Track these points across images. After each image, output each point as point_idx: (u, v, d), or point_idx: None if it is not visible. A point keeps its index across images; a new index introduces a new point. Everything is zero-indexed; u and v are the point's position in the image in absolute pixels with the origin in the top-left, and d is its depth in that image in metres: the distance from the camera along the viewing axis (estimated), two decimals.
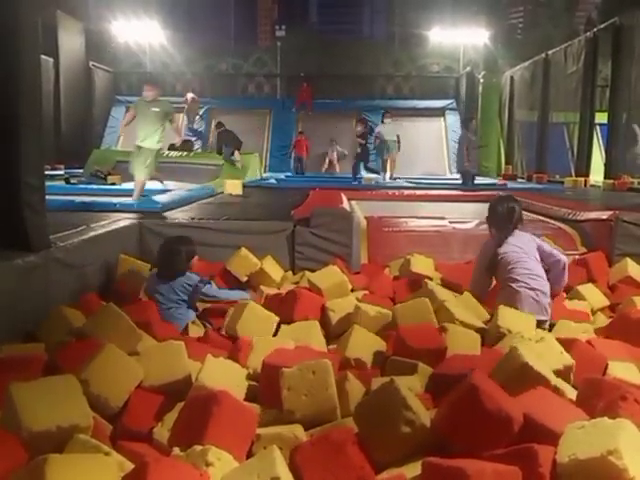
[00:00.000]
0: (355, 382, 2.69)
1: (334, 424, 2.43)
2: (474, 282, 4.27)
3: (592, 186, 11.72)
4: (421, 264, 4.86)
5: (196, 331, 3.87)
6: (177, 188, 8.77)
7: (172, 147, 12.42)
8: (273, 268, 4.89)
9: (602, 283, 4.81)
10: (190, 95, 16.85)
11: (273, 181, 13.05)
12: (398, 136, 13.29)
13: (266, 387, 2.65)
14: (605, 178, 11.31)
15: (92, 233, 4.58)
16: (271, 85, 20.69)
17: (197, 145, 17.09)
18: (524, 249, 3.96)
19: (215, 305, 4.30)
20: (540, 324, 3.71)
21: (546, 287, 3.89)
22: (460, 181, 12.28)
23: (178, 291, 4.03)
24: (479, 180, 12.82)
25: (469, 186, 11.61)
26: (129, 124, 7.74)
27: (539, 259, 3.99)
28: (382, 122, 13.27)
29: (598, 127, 13.18)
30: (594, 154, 12.54)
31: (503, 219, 4.06)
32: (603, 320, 4.12)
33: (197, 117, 17.49)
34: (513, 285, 3.87)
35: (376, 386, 2.44)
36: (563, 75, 13.37)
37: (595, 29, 12.45)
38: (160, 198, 6.74)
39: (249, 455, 2.23)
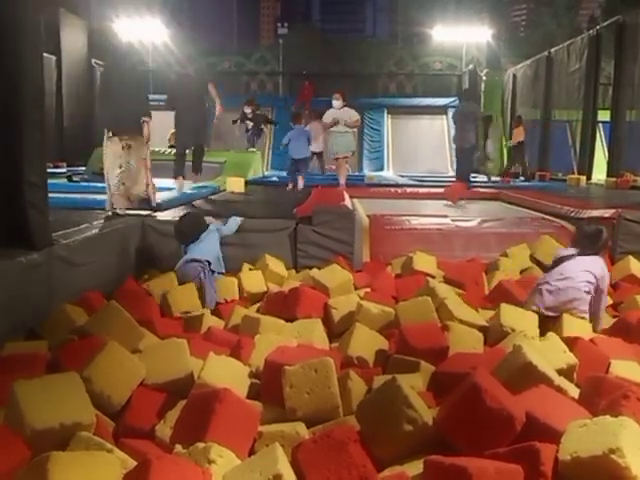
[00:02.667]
0: (357, 380, 2.70)
1: (336, 422, 2.43)
2: None
3: (595, 184, 11.71)
4: (423, 262, 4.86)
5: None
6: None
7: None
8: (276, 265, 4.91)
9: None
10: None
11: (275, 179, 13.05)
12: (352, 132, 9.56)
13: (268, 385, 2.65)
14: (607, 176, 11.30)
15: (94, 231, 4.58)
16: (273, 83, 20.69)
17: None
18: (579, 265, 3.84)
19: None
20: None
21: (568, 288, 3.74)
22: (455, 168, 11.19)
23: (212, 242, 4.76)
24: (481, 178, 12.75)
25: (466, 178, 11.17)
26: None
27: (589, 279, 3.80)
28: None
29: (601, 125, 13.16)
30: (597, 152, 12.53)
31: (587, 241, 3.96)
32: (606, 319, 4.11)
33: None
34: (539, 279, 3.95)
35: (378, 384, 2.44)
36: (566, 73, 13.35)
37: (598, 27, 12.43)
38: (163, 196, 6.74)
39: (251, 452, 2.24)
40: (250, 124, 13.76)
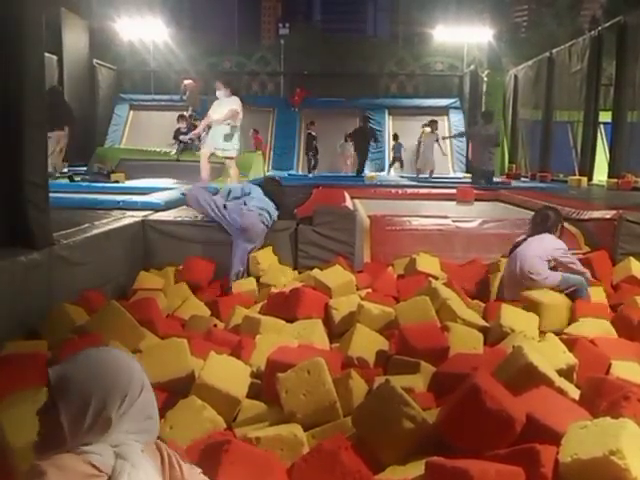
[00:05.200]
0: (358, 380, 2.70)
1: (334, 424, 2.44)
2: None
3: (596, 185, 11.70)
4: (427, 263, 4.85)
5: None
6: (180, 186, 8.76)
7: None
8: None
9: (605, 282, 4.79)
10: (188, 82, 16.78)
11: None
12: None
13: (270, 384, 2.65)
14: (609, 177, 11.29)
15: (95, 231, 4.58)
16: (275, 83, 20.69)
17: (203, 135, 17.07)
18: (533, 245, 4.34)
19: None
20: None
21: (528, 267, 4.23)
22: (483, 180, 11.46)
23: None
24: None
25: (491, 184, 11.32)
26: None
27: (547, 258, 4.30)
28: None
29: (602, 126, 13.15)
30: (598, 153, 12.52)
31: (536, 222, 4.53)
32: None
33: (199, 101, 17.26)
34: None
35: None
36: (567, 74, 13.34)
37: (599, 28, 12.41)
38: (163, 196, 6.74)
39: None
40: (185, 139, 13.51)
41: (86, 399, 1.32)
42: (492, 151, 11.57)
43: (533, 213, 4.86)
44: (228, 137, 7.86)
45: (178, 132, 12.98)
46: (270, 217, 5.22)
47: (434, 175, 14.64)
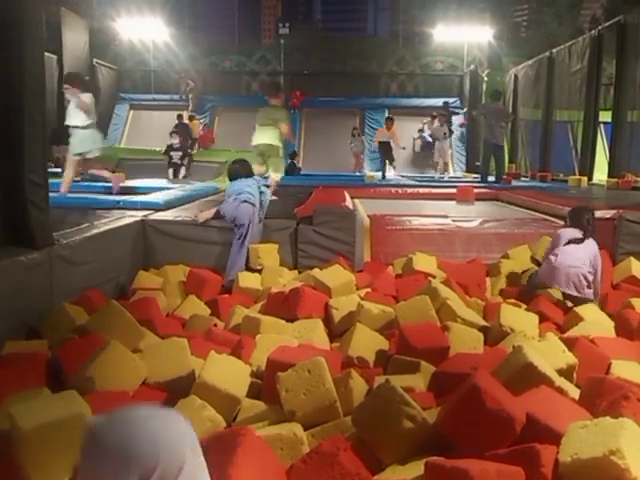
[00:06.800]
0: (359, 379, 2.70)
1: (335, 423, 2.44)
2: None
3: (596, 185, 11.70)
4: (423, 262, 4.85)
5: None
6: (180, 186, 8.76)
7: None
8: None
9: (606, 282, 4.79)
10: (191, 82, 16.79)
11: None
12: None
13: (270, 383, 2.66)
14: (609, 177, 11.29)
15: (95, 230, 4.58)
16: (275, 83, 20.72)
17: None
18: (588, 248, 4.31)
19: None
20: (572, 299, 4.10)
21: (583, 270, 4.20)
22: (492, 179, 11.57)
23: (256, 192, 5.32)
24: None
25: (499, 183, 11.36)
26: None
27: (593, 264, 4.30)
28: None
29: (602, 126, 13.15)
30: (598, 153, 12.51)
31: (582, 224, 4.43)
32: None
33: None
34: (552, 258, 4.30)
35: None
36: (567, 73, 13.33)
37: (600, 27, 12.41)
38: (163, 195, 6.75)
39: None
40: (177, 155, 12.67)
41: (106, 467, 1.09)
42: (504, 125, 11.75)
43: (577, 209, 4.69)
44: (87, 137, 7.29)
45: (170, 148, 12.65)
46: (251, 194, 5.19)
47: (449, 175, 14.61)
